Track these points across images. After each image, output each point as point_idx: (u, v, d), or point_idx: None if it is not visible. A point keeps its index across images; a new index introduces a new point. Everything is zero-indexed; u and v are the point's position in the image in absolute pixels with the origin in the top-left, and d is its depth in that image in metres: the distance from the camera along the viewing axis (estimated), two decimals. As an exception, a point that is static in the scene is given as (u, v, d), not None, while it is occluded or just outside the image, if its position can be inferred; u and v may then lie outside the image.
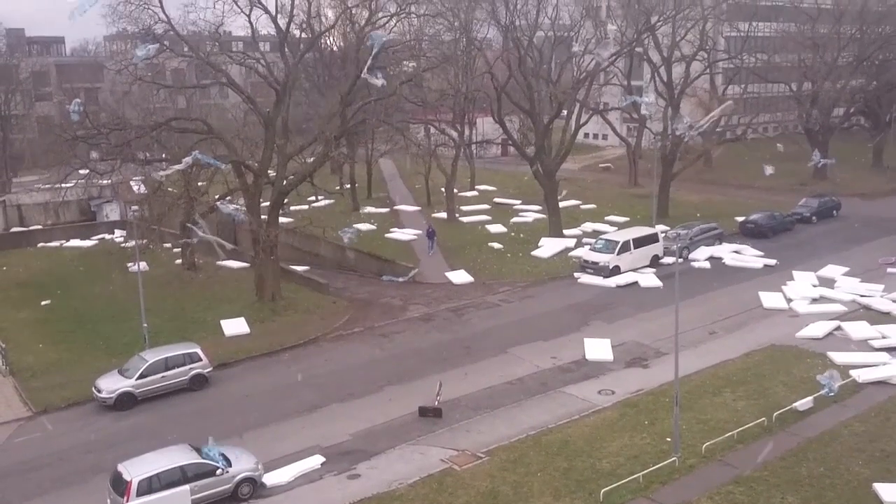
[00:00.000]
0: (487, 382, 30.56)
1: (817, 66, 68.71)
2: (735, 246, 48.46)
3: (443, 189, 60.81)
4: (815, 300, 38.55)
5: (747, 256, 46.67)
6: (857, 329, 33.73)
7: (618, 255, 43.75)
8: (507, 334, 35.64)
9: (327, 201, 62.86)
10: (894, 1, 72.97)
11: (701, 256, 46.45)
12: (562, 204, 54.73)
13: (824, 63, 68.36)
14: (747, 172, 66.09)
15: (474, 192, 67.65)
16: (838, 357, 30.81)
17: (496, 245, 50.77)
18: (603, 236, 46.96)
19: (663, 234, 47.41)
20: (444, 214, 58.72)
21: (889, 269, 43.03)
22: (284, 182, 40.72)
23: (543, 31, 60.61)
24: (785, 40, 73.07)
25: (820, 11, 70.40)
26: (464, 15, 52.17)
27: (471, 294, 41.91)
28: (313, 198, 58.02)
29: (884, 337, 32.78)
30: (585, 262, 44.62)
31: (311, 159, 43.80)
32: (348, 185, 64.59)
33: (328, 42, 66.65)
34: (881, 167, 71.74)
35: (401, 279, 43.86)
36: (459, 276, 44.28)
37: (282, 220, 46.20)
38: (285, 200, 42.97)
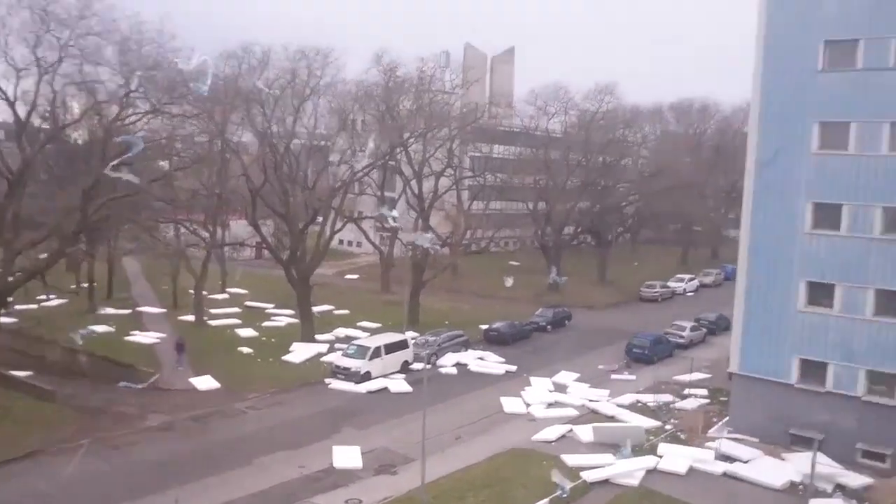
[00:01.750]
0: (229, 496, 28.96)
1: (550, 188, 75.82)
2: (479, 352, 50.88)
3: (191, 291, 58.43)
4: (550, 405, 41.14)
5: (490, 363, 49.12)
6: (585, 432, 36.32)
7: (369, 360, 44.18)
8: (254, 443, 34.26)
9: (61, 301, 57.92)
10: (612, 136, 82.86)
11: (448, 362, 48.17)
12: (315, 309, 54.66)
13: (556, 185, 75.61)
14: (491, 283, 70.34)
15: (225, 295, 65.66)
16: (570, 459, 32.85)
17: (246, 350, 49.30)
18: (355, 342, 47.32)
19: (413, 341, 48.69)
20: (191, 317, 56.22)
21: (613, 376, 47.23)
22: (10, 279, 37.09)
23: (300, 139, 61.68)
24: (522, 163, 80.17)
25: (551, 139, 78.24)
26: (219, 118, 51.73)
27: (216, 401, 40.02)
28: (44, 296, 53.20)
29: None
30: (337, 367, 44.54)
31: (45, 255, 40.44)
32: (86, 284, 60.07)
33: (72, 134, 62.91)
34: (605, 281, 79.51)
35: (140, 385, 40.99)
36: (205, 382, 42.23)
37: (4, 320, 41.77)
38: (9, 299, 39.01)
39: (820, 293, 34.17)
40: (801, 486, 30.62)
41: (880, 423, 32.71)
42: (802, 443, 33.71)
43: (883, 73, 32.26)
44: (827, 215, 33.75)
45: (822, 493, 30.05)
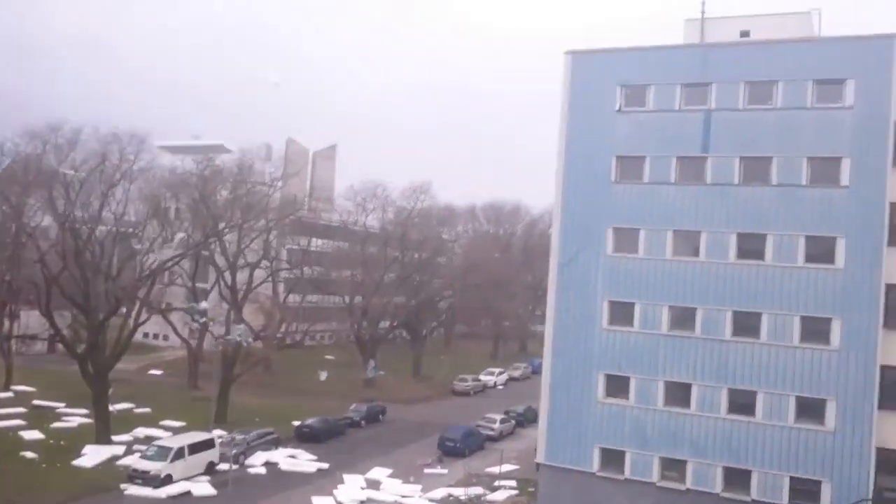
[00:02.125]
0: None
1: (367, 283, 76.42)
2: (291, 450, 49.34)
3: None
4: (363, 502, 40.42)
5: (302, 461, 47.71)
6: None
7: (171, 462, 41.55)
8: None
9: None
10: (428, 233, 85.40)
11: (257, 462, 46.30)
12: (112, 408, 51.08)
13: (373, 280, 76.35)
14: (305, 377, 68.96)
15: (9, 394, 59.91)
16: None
17: (29, 454, 44.92)
18: (155, 443, 44.47)
19: (220, 440, 46.50)
20: (-33, 418, 50.74)
21: (425, 470, 47.28)
22: None
23: (106, 225, 58.82)
24: (340, 257, 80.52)
25: (369, 234, 79.42)
26: (15, 199, 48.54)
27: (-7, 513, 36.03)
28: None
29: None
30: (134, 471, 41.47)
31: None
32: None
33: None
34: (419, 375, 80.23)
35: None
36: (-20, 492, 37.95)
37: None
38: None
39: (617, 385, 36.51)
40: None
41: (672, 508, 34.84)
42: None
43: (666, 187, 35.88)
44: (621, 313, 36.46)
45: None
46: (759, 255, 34.21)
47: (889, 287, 32.10)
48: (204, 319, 48.36)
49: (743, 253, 34.59)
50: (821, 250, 33.20)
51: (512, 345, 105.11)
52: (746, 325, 34.26)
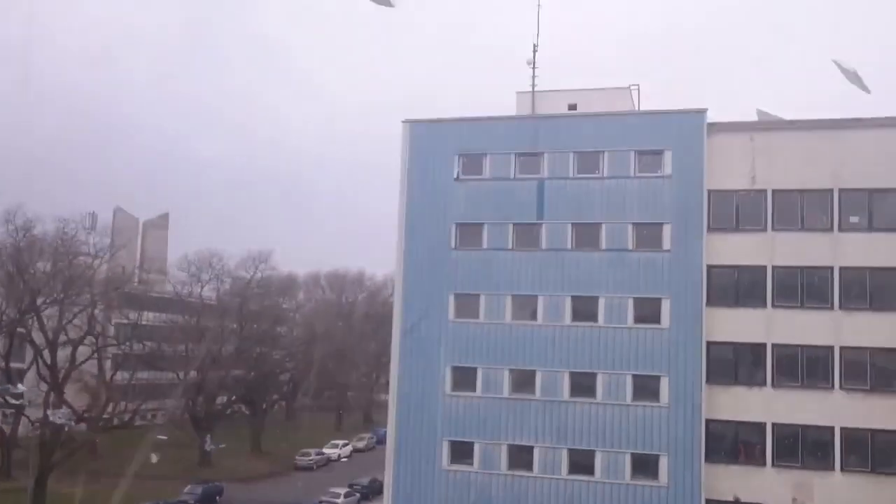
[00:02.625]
0: None
1: (203, 356, 73.01)
2: (117, 542, 45.55)
3: None
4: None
5: (130, 552, 44.09)
6: None
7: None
8: None
9: None
10: (268, 303, 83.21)
11: (78, 557, 42.33)
12: None
13: (210, 353, 73.07)
14: (134, 460, 64.25)
15: None
16: None
17: None
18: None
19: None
20: None
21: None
22: None
23: None
24: (174, 331, 76.65)
25: (205, 306, 76.36)
26: None
27: None
28: None
29: None
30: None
31: None
32: None
33: None
34: (260, 451, 76.91)
35: None
36: None
37: None
38: None
39: (461, 451, 36.44)
40: None
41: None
42: None
43: (504, 253, 36.87)
44: (464, 378, 36.68)
45: None
46: (593, 317, 35.61)
47: (710, 344, 34.20)
48: (18, 402, 44.12)
49: (577, 315, 35.89)
50: (648, 311, 35.03)
51: (356, 415, 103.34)
52: (583, 385, 35.35)
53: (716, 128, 35.53)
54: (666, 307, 34.73)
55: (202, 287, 78.28)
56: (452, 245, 37.59)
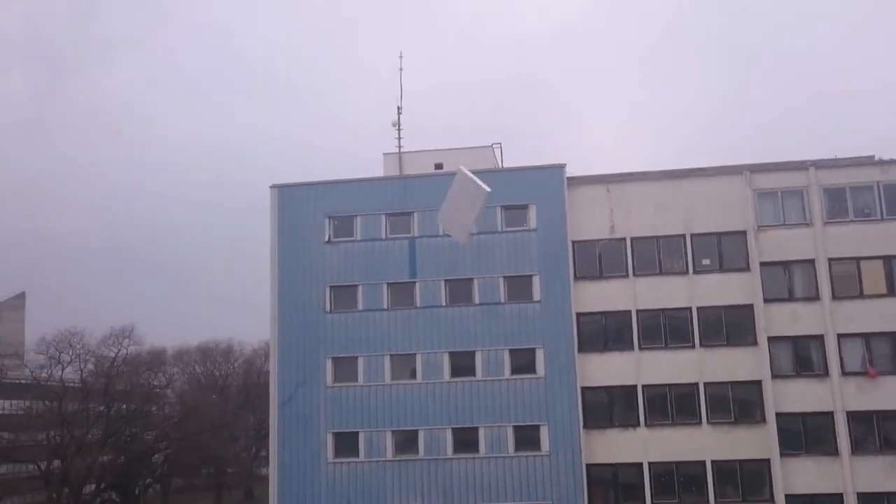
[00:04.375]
0: None
1: (67, 443, 68.45)
2: None
3: None
4: None
5: None
6: None
7: None
8: None
9: None
10: (136, 381, 79.17)
11: None
12: None
13: (74, 439, 68.59)
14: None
15: None
16: None
17: None
18: None
19: None
20: None
21: None
22: None
23: None
24: (32, 418, 71.64)
25: (67, 389, 71.89)
26: None
27: None
28: None
29: None
30: None
31: None
32: None
33: None
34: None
35: None
36: None
37: None
38: None
39: (346, 521, 35.54)
40: None
41: None
42: None
43: (380, 313, 36.85)
44: (346, 443, 36.07)
45: None
46: (471, 371, 35.99)
47: (584, 390, 35.19)
48: None
49: (456, 371, 36.17)
50: (523, 361, 35.77)
51: (237, 492, 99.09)
52: (466, 440, 35.47)
53: (575, 181, 37.19)
54: (540, 356, 35.56)
55: (63, 369, 73.59)
56: (327, 308, 37.28)
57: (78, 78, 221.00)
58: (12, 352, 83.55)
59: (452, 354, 36.24)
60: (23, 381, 77.11)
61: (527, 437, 35.16)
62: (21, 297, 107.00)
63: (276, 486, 36.33)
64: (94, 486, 72.38)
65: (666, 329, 35.91)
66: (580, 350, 35.52)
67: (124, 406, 75.78)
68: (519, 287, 36.49)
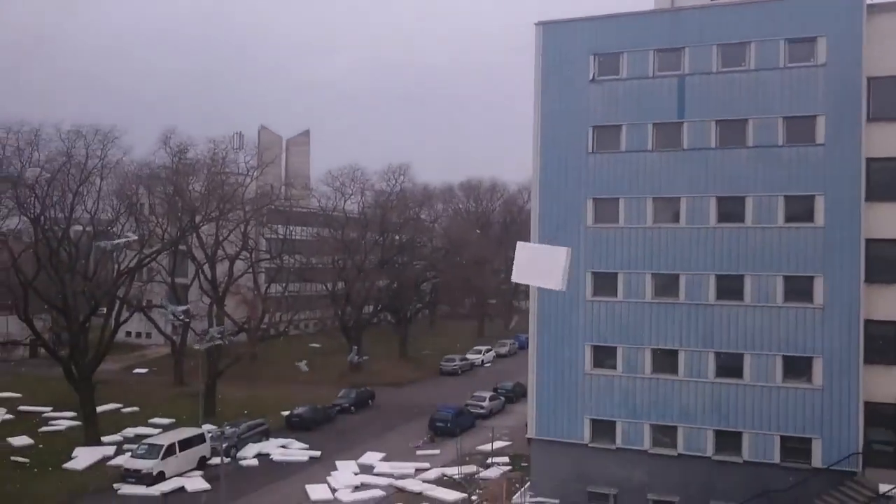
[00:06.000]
0: None
1: (349, 268, 76.02)
2: (282, 440, 49.13)
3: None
4: (357, 487, 40.37)
5: (294, 450, 47.54)
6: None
7: (162, 459, 41.25)
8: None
9: None
10: (407, 214, 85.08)
11: (249, 454, 46.08)
12: (99, 408, 50.63)
13: (354, 265, 75.96)
14: (291, 367, 68.70)
15: (-7, 400, 59.21)
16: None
17: (20, 459, 44.45)
18: (146, 441, 44.12)
19: (210, 434, 46.20)
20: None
21: (418, 451, 47.27)
22: None
23: (82, 225, 57.94)
24: (321, 244, 79.99)
25: (349, 219, 78.99)
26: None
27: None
28: None
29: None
30: (127, 470, 41.15)
31: None
32: None
33: None
34: (407, 357, 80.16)
35: None
36: (-32, 503, 37.50)
37: None
38: None
39: (604, 356, 36.56)
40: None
41: (666, 473, 35.02)
42: (600, 499, 35.30)
43: (644, 155, 35.77)
44: (605, 283, 36.43)
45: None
46: (740, 217, 34.24)
47: (869, 242, 32.26)
48: (182, 317, 47.66)
49: (723, 216, 34.61)
50: (800, 209, 33.29)
51: (497, 322, 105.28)
52: (730, 288, 34.34)
53: (876, 8, 32.54)
54: (819, 204, 32.88)
55: (345, 201, 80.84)
56: (590, 149, 36.82)
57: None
58: (301, 184, 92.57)
59: (720, 199, 34.57)
60: (311, 211, 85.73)
61: (798, 288, 33.27)
62: (306, 134, 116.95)
63: (536, 320, 37.91)
64: (372, 307, 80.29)
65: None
66: (868, 199, 32.24)
67: (397, 237, 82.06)
68: (800, 128, 33.43)
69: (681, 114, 35.24)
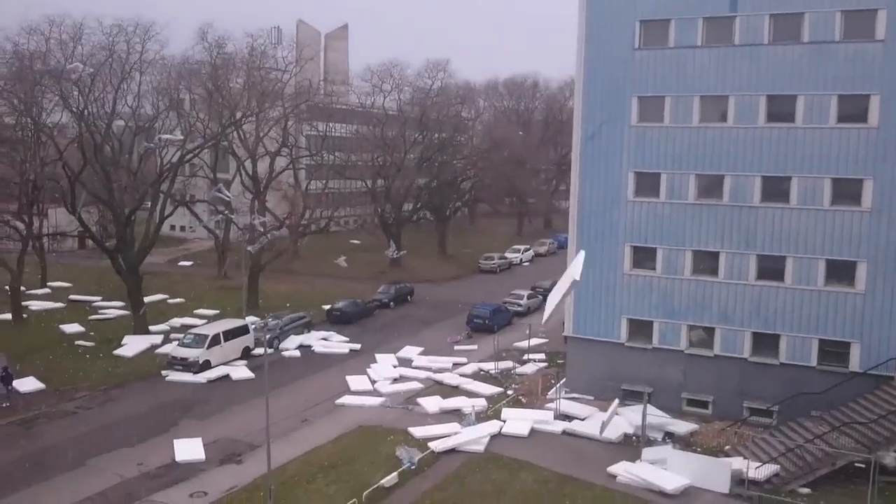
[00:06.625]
0: (60, 502, 27.27)
1: (388, 165, 75.88)
2: (323, 333, 50.41)
3: (7, 287, 54.04)
4: (396, 380, 41.50)
5: (334, 343, 48.81)
6: (431, 403, 37.01)
7: (207, 349, 42.68)
8: (86, 444, 32.32)
9: None
10: (447, 112, 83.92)
11: (291, 345, 47.44)
12: (147, 299, 52.21)
13: (394, 162, 75.75)
14: (332, 263, 69.81)
15: (46, 290, 61.34)
16: (417, 431, 33.32)
17: (85, 344, 46.36)
18: (192, 330, 45.56)
19: (253, 325, 47.48)
20: (8, 315, 52.08)
21: (455, 347, 48.21)
22: None
23: (124, 120, 58.31)
24: (359, 141, 79.66)
25: (388, 116, 78.25)
26: (24, 95, 47.90)
27: (42, 402, 37.37)
28: None
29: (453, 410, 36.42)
30: (174, 358, 42.74)
31: None
32: None
33: None
34: (445, 255, 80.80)
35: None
36: (28, 384, 39.30)
37: None
38: None
39: (643, 256, 36.41)
40: (634, 437, 32.62)
41: (701, 373, 35.36)
42: (634, 397, 35.90)
43: (692, 51, 34.51)
44: (647, 183, 35.91)
45: (653, 442, 32.20)
46: (790, 117, 33.12)
47: (924, 144, 31.15)
48: (226, 210, 48.26)
49: (772, 116, 33.51)
50: (854, 109, 32.04)
51: (536, 222, 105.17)
52: (775, 190, 33.60)
53: None
54: (875, 103, 31.60)
55: (384, 97, 79.88)
56: (636, 45, 35.59)
57: None
58: (340, 80, 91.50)
59: (770, 98, 33.39)
60: (350, 108, 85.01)
61: (846, 191, 32.40)
62: (344, 28, 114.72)
63: (577, 219, 37.71)
64: (411, 205, 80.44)
65: None
66: (926, 98, 30.94)
67: (437, 134, 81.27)
68: (858, 23, 31.81)
69: (733, 7, 33.71)
